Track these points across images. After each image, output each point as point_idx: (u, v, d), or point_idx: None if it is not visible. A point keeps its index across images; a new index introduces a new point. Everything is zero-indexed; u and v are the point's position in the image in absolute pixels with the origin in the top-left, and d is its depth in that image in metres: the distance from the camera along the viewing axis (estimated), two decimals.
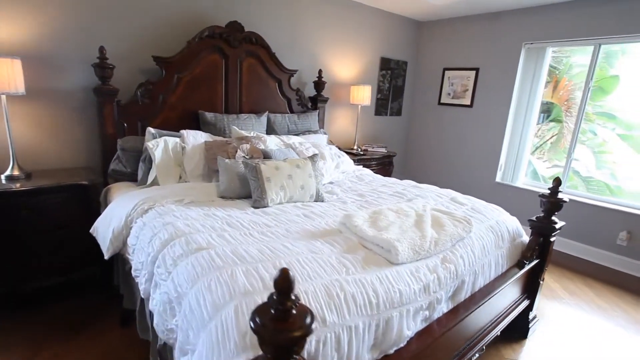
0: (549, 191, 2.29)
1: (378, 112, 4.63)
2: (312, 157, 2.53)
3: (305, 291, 1.26)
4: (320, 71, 3.76)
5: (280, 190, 2.29)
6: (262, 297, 1.19)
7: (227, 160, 2.43)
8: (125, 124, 2.71)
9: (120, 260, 2.27)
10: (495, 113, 4.11)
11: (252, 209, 2.17)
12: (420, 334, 1.52)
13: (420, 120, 4.91)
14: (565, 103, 4.42)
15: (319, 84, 3.80)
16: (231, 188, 2.34)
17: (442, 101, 4.63)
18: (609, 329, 2.51)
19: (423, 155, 4.88)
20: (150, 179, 2.47)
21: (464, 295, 1.80)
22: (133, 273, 1.84)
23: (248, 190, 2.36)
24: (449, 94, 4.56)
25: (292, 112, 3.70)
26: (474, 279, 1.86)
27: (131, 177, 2.59)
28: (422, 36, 4.75)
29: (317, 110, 3.82)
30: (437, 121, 4.71)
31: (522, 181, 4.07)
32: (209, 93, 3.10)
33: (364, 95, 4.03)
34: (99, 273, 2.52)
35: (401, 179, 3.19)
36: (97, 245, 2.20)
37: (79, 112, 2.62)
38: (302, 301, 1.21)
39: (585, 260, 3.47)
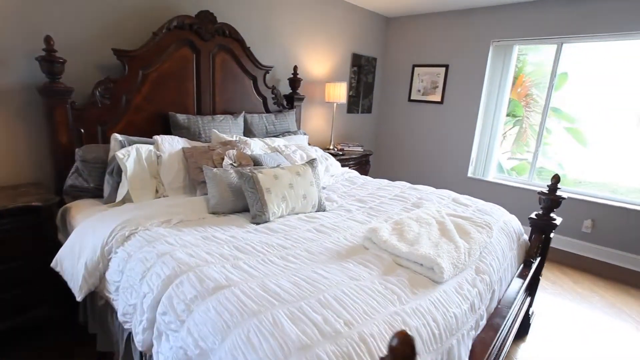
0: (547, 188, 2.28)
1: (350, 110, 4.47)
2: (311, 163, 2.29)
3: (371, 334, 1.04)
4: (295, 67, 3.49)
5: (281, 202, 2.02)
6: (325, 351, 0.95)
7: (215, 169, 2.10)
8: (82, 130, 2.24)
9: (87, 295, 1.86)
10: (466, 109, 4.15)
11: (254, 225, 1.89)
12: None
13: (391, 117, 4.84)
14: (524, 99, 4.62)
15: (295, 82, 3.53)
16: (223, 202, 2.02)
17: (412, 98, 4.60)
18: (594, 316, 2.61)
19: (394, 152, 4.83)
20: (120, 195, 2.06)
21: (493, 305, 1.70)
22: (121, 318, 1.48)
23: (242, 203, 2.06)
24: (419, 91, 4.53)
25: (267, 111, 3.40)
26: (500, 287, 1.77)
27: (95, 194, 2.15)
28: (391, 32, 4.67)
29: (294, 110, 3.56)
30: (407, 118, 4.68)
31: (493, 175, 4.18)
32: (179, 92, 2.70)
33: (340, 92, 3.84)
34: (59, 310, 2.06)
35: (374, 178, 3.06)
36: (56, 279, 1.78)
37: (21, 116, 2.11)
38: (372, 348, 0.99)
39: (555, 249, 3.64)
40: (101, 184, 2.14)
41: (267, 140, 2.88)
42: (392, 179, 3.33)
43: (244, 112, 3.09)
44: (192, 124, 2.64)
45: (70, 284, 1.71)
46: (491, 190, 4.03)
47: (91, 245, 1.67)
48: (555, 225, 2.25)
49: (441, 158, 4.42)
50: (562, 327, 2.46)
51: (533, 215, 2.36)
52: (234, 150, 2.36)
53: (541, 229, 2.27)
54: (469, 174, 4.24)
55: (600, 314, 2.63)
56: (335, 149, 3.97)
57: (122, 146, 2.16)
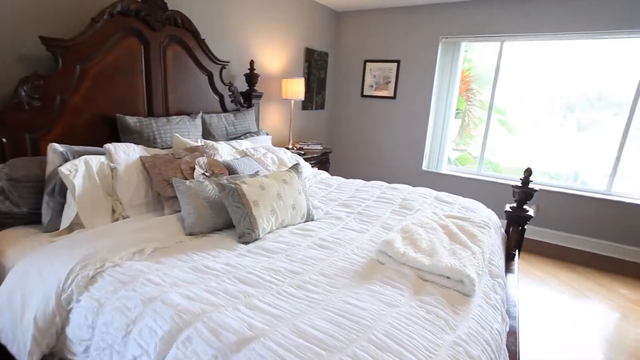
0: (520, 182, 2.34)
1: (305, 107, 4.26)
2: (296, 168, 2.05)
3: None
4: (252, 62, 3.17)
5: (271, 216, 1.76)
6: None
7: (187, 182, 1.76)
8: (4, 140, 1.72)
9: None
10: (418, 104, 4.21)
11: (243, 245, 1.61)
12: None
13: (344, 113, 4.73)
14: (465, 93, 4.84)
15: (252, 77, 3.20)
16: (202, 220, 1.70)
17: (365, 93, 4.53)
18: (555, 297, 2.79)
19: (349, 148, 4.74)
20: (67, 221, 1.62)
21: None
22: None
23: (223, 220, 1.77)
24: (372, 86, 4.48)
25: (225, 110, 3.04)
26: (504, 285, 1.75)
27: (29, 220, 1.68)
28: (342, 27, 4.53)
29: (253, 108, 3.24)
30: (361, 113, 4.61)
31: (445, 167, 4.31)
32: (126, 90, 2.24)
33: (298, 89, 3.61)
34: None
35: (332, 176, 2.94)
36: None
37: None
38: None
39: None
40: (37, 208, 1.67)
41: (234, 143, 2.56)
42: (349, 176, 3.22)
43: (201, 112, 2.71)
44: (144, 128, 2.21)
45: (12, 348, 1.27)
46: (445, 182, 4.16)
47: (40, 293, 1.26)
48: (530, 216, 2.33)
49: (396, 153, 4.44)
50: (530, 309, 2.59)
51: (508, 208, 2.42)
52: (204, 158, 2.02)
53: (517, 221, 2.34)
54: (424, 167, 4.33)
55: (558, 294, 2.83)
56: (294, 149, 3.74)
57: (64, 159, 1.70)
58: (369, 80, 4.48)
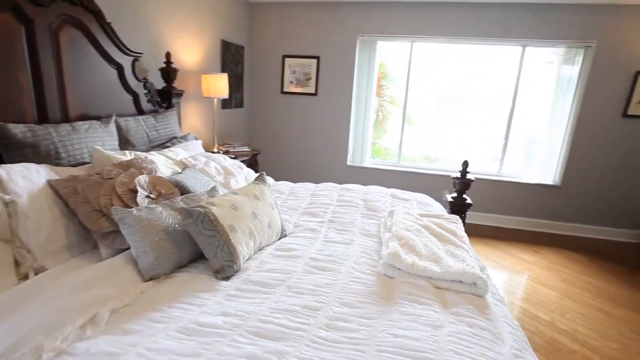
0: (459, 173, 2.51)
1: (224, 105, 3.82)
2: (262, 179, 1.75)
3: None
4: (168, 55, 2.65)
5: (249, 240, 1.46)
6: None
7: (134, 211, 1.32)
8: None
9: None
10: (340, 100, 4.19)
11: (225, 283, 1.29)
12: None
13: (264, 111, 4.43)
14: (377, 89, 5.05)
15: (169, 73, 2.68)
16: (164, 258, 1.30)
17: (285, 90, 4.31)
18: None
19: (273, 147, 4.47)
20: None
21: None
22: None
23: (188, 252, 1.40)
24: (292, 82, 4.29)
25: (141, 112, 2.47)
26: None
27: None
28: (256, 19, 4.18)
29: (174, 109, 2.73)
30: (282, 110, 4.38)
31: (369, 161, 4.43)
32: (2, 86, 1.58)
33: (222, 86, 3.18)
34: None
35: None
36: None
37: None
38: None
39: None
40: None
41: (169, 153, 2.09)
42: (278, 177, 3.02)
43: (114, 115, 2.13)
44: (40, 140, 1.60)
45: None
46: (370, 176, 4.27)
47: None
48: (470, 204, 2.52)
49: (321, 149, 4.37)
50: None
51: (450, 199, 2.57)
52: (145, 176, 1.56)
53: (460, 209, 2.50)
54: (349, 163, 4.37)
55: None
56: (221, 152, 3.32)
57: None
58: (288, 76, 4.27)
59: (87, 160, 1.78)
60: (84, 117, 1.99)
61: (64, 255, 1.34)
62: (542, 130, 3.84)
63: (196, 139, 2.71)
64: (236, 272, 1.36)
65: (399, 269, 1.35)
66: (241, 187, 1.66)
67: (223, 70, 3.70)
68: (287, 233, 1.76)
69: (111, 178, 1.50)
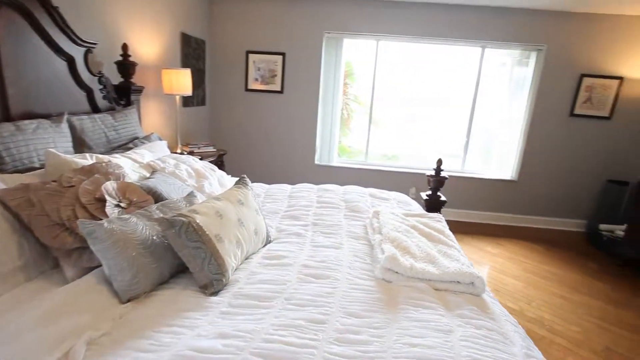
0: (434, 172, 2.56)
1: (186, 103, 3.59)
2: (244, 183, 1.64)
3: None
4: (125, 47, 2.41)
5: (237, 249, 1.35)
6: None
7: (105, 223, 1.16)
8: None
9: None
10: (307, 98, 4.12)
11: (215, 299, 1.18)
12: None
13: (228, 109, 4.22)
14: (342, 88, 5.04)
15: (127, 67, 2.44)
16: (143, 275, 1.16)
17: (250, 87, 4.14)
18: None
19: (238, 147, 4.28)
20: None
21: None
22: None
23: (169, 266, 1.27)
24: (257, 79, 4.13)
25: (96, 110, 2.22)
26: None
27: None
28: (218, 12, 3.96)
29: (134, 106, 2.49)
30: (247, 109, 4.21)
31: (336, 160, 4.41)
32: None
33: (185, 82, 2.97)
34: None
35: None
36: None
37: None
38: None
39: None
40: None
41: (133, 155, 1.88)
42: (247, 177, 2.90)
43: (66, 113, 1.88)
44: None
45: None
46: (338, 175, 4.26)
47: None
48: (445, 201, 2.58)
49: (288, 148, 4.28)
50: None
51: (425, 196, 2.62)
52: (113, 182, 1.38)
53: (435, 206, 2.55)
54: (316, 162, 4.32)
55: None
56: (185, 153, 3.11)
57: None
58: (253, 73, 4.11)
59: (37, 166, 1.55)
60: (30, 116, 1.73)
61: (18, 277, 1.14)
62: (501, 128, 4.07)
63: (160, 139, 2.50)
64: (225, 285, 1.25)
65: (397, 272, 1.33)
66: (223, 191, 1.53)
67: (184, 65, 3.47)
68: (272, 239, 1.67)
69: (72, 186, 1.31)
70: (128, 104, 2.49)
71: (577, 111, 3.73)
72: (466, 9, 3.66)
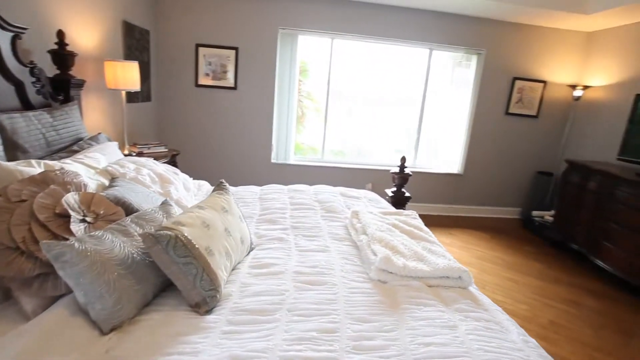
0: (398, 169, 2.65)
1: (130, 99, 3.25)
2: (223, 188, 1.52)
3: None
4: (61, 33, 2.10)
5: (226, 261, 1.26)
6: None
7: (75, 243, 0.99)
8: None
9: None
10: (262, 95, 3.99)
11: (212, 317, 1.09)
12: None
13: (177, 106, 3.92)
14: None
15: (65, 57, 2.13)
16: (126, 299, 1.02)
17: (200, 82, 3.89)
18: None
19: (188, 146, 4.00)
20: None
21: None
22: None
23: (152, 285, 1.14)
24: (208, 75, 3.89)
25: (29, 107, 1.90)
26: None
27: None
28: (164, 1, 3.64)
29: (75, 102, 2.19)
30: (198, 105, 3.94)
31: (293, 158, 4.35)
32: None
33: (132, 76, 2.68)
34: None
35: None
36: None
37: None
38: None
39: None
40: None
41: (86, 160, 1.65)
42: (200, 179, 2.76)
43: None
44: None
45: None
46: (295, 173, 4.21)
47: None
48: (409, 197, 2.68)
49: (243, 147, 4.11)
50: None
51: (390, 193, 2.70)
52: (74, 193, 1.19)
53: (400, 202, 2.65)
54: (273, 160, 4.22)
55: None
56: (134, 154, 2.82)
57: None
58: (204, 67, 3.87)
59: None
60: None
61: None
62: (448, 125, 4.35)
63: (109, 139, 2.23)
64: (218, 300, 1.15)
65: (391, 272, 1.34)
66: (205, 199, 1.41)
67: (127, 57, 3.14)
68: (254, 245, 1.58)
69: (23, 200, 1.10)
70: (67, 99, 2.18)
71: (511, 110, 4.13)
72: (415, 12, 3.83)
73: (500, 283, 2.83)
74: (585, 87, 3.89)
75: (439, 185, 4.32)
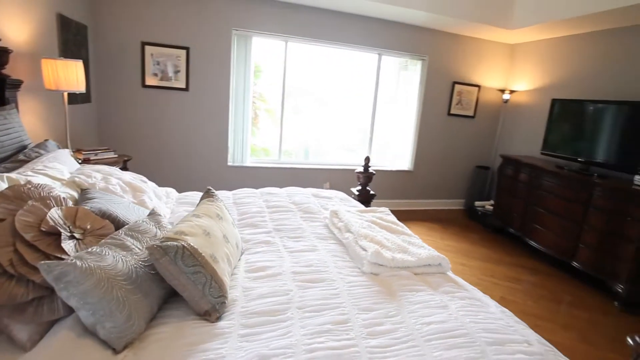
0: (362, 169, 2.81)
1: (70, 100, 2.96)
2: (212, 195, 1.50)
3: None
4: None
5: (228, 267, 1.27)
6: None
7: (77, 262, 0.94)
8: None
9: None
10: (216, 97, 3.89)
11: (223, 323, 1.10)
12: None
13: (122, 108, 3.64)
14: None
15: None
16: (136, 314, 1.00)
17: (147, 83, 3.66)
18: None
19: (137, 150, 3.74)
20: None
21: None
22: None
23: (157, 297, 1.12)
24: (156, 75, 3.68)
25: None
26: None
27: None
28: None
29: (12, 106, 1.97)
30: (146, 108, 3.71)
31: (249, 160, 4.30)
32: None
33: (75, 76, 2.47)
34: None
35: None
36: None
37: None
38: None
39: None
40: None
41: (50, 171, 1.51)
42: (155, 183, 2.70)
43: None
44: None
45: None
46: (252, 175, 4.18)
47: None
48: (374, 195, 2.85)
49: (199, 150, 3.98)
50: None
51: (356, 192, 2.84)
52: (57, 209, 1.10)
53: (366, 199, 2.80)
54: (229, 163, 4.14)
55: None
56: (80, 160, 2.60)
57: None
58: (151, 67, 3.66)
59: None
60: None
61: None
62: (398, 124, 4.65)
63: (59, 147, 2.04)
64: (226, 306, 1.16)
65: (381, 265, 1.46)
66: (198, 207, 1.38)
67: (63, 55, 2.86)
68: (243, 250, 1.59)
69: (1, 220, 1.00)
70: (2, 102, 1.95)
71: (452, 111, 4.56)
72: (366, 19, 4.04)
73: (454, 268, 3.11)
74: (512, 92, 4.45)
75: (392, 182, 4.61)
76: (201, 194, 2.32)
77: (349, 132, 4.87)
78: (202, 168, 4.02)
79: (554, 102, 3.66)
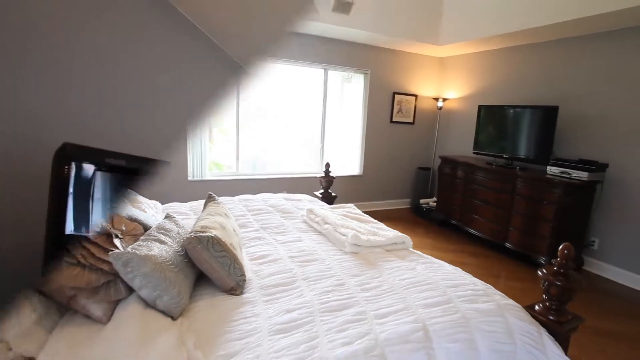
0: (324, 174, 3.26)
1: None
2: (214, 199, 1.83)
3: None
4: None
5: (241, 253, 1.62)
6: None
7: (137, 251, 1.25)
8: None
9: None
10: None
11: (247, 295, 1.46)
12: None
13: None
14: None
15: None
16: (183, 290, 1.32)
17: None
18: None
19: None
20: None
21: None
22: None
23: (191, 279, 1.43)
24: None
25: None
26: None
27: None
28: None
29: None
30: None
31: (209, 174, 4.52)
32: None
33: None
34: None
35: None
36: None
37: None
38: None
39: None
40: None
41: None
42: None
43: None
44: None
45: None
46: (213, 188, 4.42)
47: None
48: (335, 196, 3.31)
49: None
50: None
51: (319, 194, 3.28)
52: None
53: (329, 201, 3.25)
54: (189, 178, 4.34)
55: None
56: None
57: None
58: None
59: None
60: None
61: (39, 333, 1.08)
62: (347, 133, 5.22)
63: None
64: (244, 281, 1.51)
65: (359, 245, 1.90)
66: (208, 209, 1.70)
67: None
68: (240, 245, 1.93)
69: None
70: None
71: (394, 119, 5.26)
72: (311, 37, 4.57)
73: None
74: (445, 99, 5.28)
75: (345, 186, 5.14)
76: (181, 204, 2.59)
77: (301, 143, 5.33)
78: (164, 184, 4.17)
79: (480, 107, 4.47)
